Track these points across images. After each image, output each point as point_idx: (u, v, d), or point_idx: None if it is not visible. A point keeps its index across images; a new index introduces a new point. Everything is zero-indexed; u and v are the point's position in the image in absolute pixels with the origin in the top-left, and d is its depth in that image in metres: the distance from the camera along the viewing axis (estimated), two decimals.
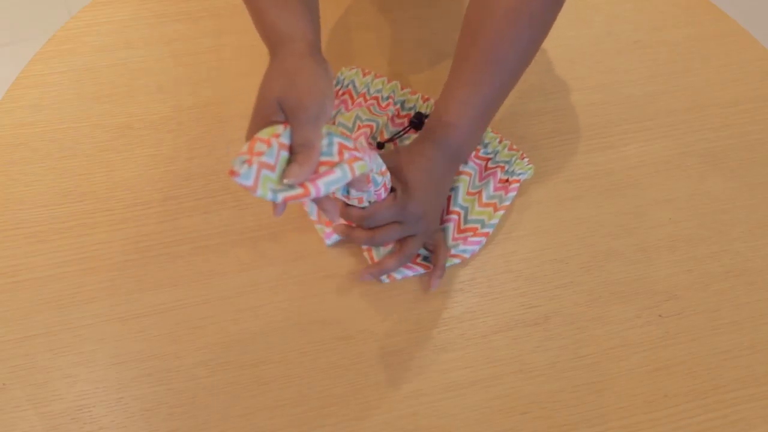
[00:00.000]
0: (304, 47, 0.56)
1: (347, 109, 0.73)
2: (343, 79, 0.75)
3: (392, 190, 0.61)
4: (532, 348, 0.61)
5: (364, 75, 0.75)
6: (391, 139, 0.71)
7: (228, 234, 0.66)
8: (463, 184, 0.68)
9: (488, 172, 0.70)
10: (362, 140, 0.63)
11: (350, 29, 0.83)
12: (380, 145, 0.70)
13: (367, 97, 0.74)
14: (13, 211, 0.66)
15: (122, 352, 0.59)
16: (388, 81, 0.75)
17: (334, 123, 0.72)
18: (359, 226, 0.62)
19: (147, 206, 0.67)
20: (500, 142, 0.71)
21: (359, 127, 0.70)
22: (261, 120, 0.52)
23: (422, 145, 0.62)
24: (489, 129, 0.71)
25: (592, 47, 0.83)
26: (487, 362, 0.60)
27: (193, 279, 0.63)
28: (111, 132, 0.73)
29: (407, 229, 0.61)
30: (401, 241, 0.62)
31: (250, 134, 0.52)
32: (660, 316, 0.63)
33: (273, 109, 0.52)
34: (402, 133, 0.71)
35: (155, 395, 0.57)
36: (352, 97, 0.74)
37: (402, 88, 0.75)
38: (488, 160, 0.71)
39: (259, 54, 0.80)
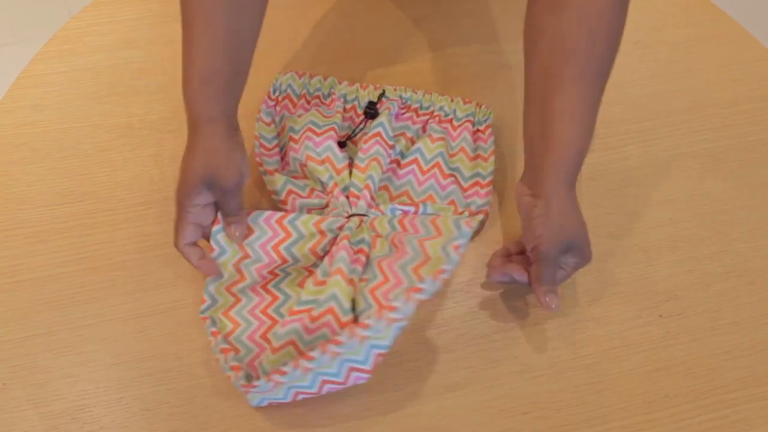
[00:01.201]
0: (223, 128, 0.60)
1: (291, 113, 0.73)
2: (280, 85, 0.74)
3: None
4: (532, 348, 0.61)
5: (300, 77, 0.74)
6: (350, 137, 0.71)
7: None
8: (443, 150, 0.70)
9: (458, 131, 0.72)
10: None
11: (349, 30, 0.83)
12: (342, 144, 0.69)
13: (309, 98, 0.74)
14: (14, 211, 0.67)
15: (123, 352, 0.59)
16: (325, 78, 0.75)
17: (283, 128, 0.71)
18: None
19: (148, 206, 0.67)
20: (452, 100, 0.73)
21: (321, 133, 0.68)
22: (187, 200, 0.59)
23: (564, 196, 0.59)
24: (437, 93, 0.74)
25: None
26: (488, 362, 0.60)
27: (194, 279, 0.63)
28: (112, 132, 0.73)
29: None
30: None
31: (179, 221, 0.59)
32: (660, 316, 0.63)
33: (199, 189, 0.58)
34: (359, 128, 0.71)
35: (156, 395, 0.57)
36: (292, 101, 0.74)
37: (340, 82, 0.75)
38: (450, 120, 0.73)
39: (259, 54, 0.80)
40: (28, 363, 0.58)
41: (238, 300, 0.60)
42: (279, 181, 0.66)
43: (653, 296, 0.64)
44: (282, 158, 0.70)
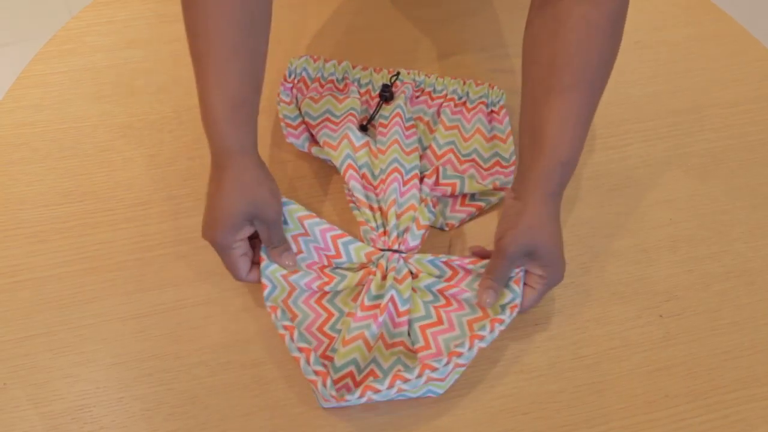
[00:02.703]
0: (257, 159, 0.60)
1: (303, 95, 0.74)
2: (295, 68, 0.74)
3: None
4: (532, 348, 0.61)
5: (315, 61, 0.75)
6: (369, 120, 0.72)
7: None
8: (456, 139, 0.71)
9: (472, 113, 0.73)
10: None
11: (351, 29, 0.83)
12: (363, 128, 0.71)
13: (323, 82, 0.75)
14: (14, 211, 0.67)
15: (123, 352, 0.59)
16: (339, 63, 0.75)
17: (300, 111, 0.72)
18: None
19: (148, 206, 0.67)
20: (464, 83, 0.74)
21: (339, 121, 0.70)
22: (231, 237, 0.58)
23: (540, 203, 0.58)
24: (448, 77, 0.75)
25: None
26: (488, 362, 0.60)
27: (194, 279, 0.63)
28: (112, 132, 0.73)
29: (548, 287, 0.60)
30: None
31: (229, 259, 0.59)
32: (660, 316, 0.63)
33: (243, 224, 0.58)
34: (376, 112, 0.72)
35: (156, 395, 0.57)
36: (306, 84, 0.75)
37: (353, 67, 0.75)
38: (464, 103, 0.74)
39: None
40: (28, 363, 0.58)
41: (296, 316, 0.61)
42: (318, 154, 0.69)
43: (653, 296, 0.64)
44: (311, 136, 0.71)
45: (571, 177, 0.60)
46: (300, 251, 0.63)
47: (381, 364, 0.58)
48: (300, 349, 0.56)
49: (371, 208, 0.65)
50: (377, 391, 0.54)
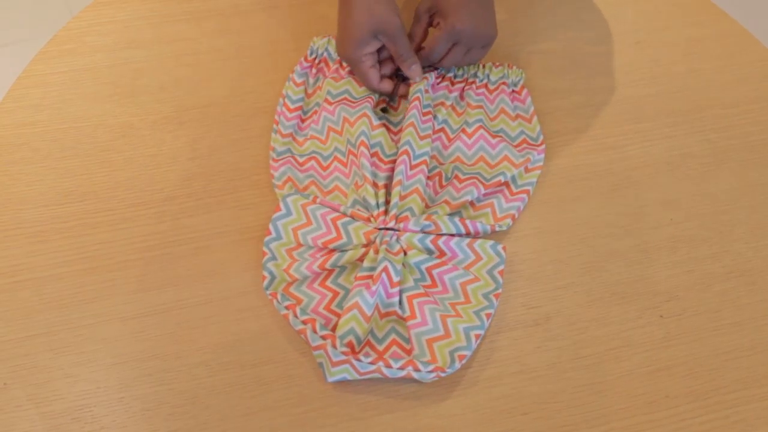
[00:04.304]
0: None
1: (325, 75, 0.76)
2: (317, 48, 0.76)
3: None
4: (532, 348, 0.61)
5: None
6: (388, 103, 0.75)
7: (229, 234, 0.66)
8: (483, 117, 0.73)
9: (495, 94, 0.75)
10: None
11: None
12: (384, 110, 0.74)
13: (344, 65, 0.76)
14: (14, 210, 0.67)
15: (123, 352, 0.59)
16: None
17: (315, 91, 0.75)
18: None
19: (148, 206, 0.67)
20: (483, 66, 0.76)
21: (358, 102, 0.72)
22: (359, 51, 0.69)
23: None
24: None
25: (593, 48, 0.83)
26: (488, 363, 0.60)
27: (194, 279, 0.63)
28: (112, 132, 0.73)
29: (467, 45, 0.71)
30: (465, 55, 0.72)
31: (361, 71, 0.70)
32: (661, 316, 0.63)
33: (367, 39, 0.69)
34: (395, 93, 0.74)
35: (156, 395, 0.57)
36: (327, 64, 0.76)
37: None
38: (486, 85, 0.75)
39: (260, 54, 0.80)
40: (28, 363, 0.58)
41: (300, 300, 0.62)
42: (288, 145, 0.71)
43: (654, 297, 0.64)
44: (302, 120, 0.73)
45: None
46: (299, 244, 0.64)
47: (376, 334, 0.60)
48: (304, 321, 0.58)
49: (375, 186, 0.66)
50: (389, 367, 0.56)
